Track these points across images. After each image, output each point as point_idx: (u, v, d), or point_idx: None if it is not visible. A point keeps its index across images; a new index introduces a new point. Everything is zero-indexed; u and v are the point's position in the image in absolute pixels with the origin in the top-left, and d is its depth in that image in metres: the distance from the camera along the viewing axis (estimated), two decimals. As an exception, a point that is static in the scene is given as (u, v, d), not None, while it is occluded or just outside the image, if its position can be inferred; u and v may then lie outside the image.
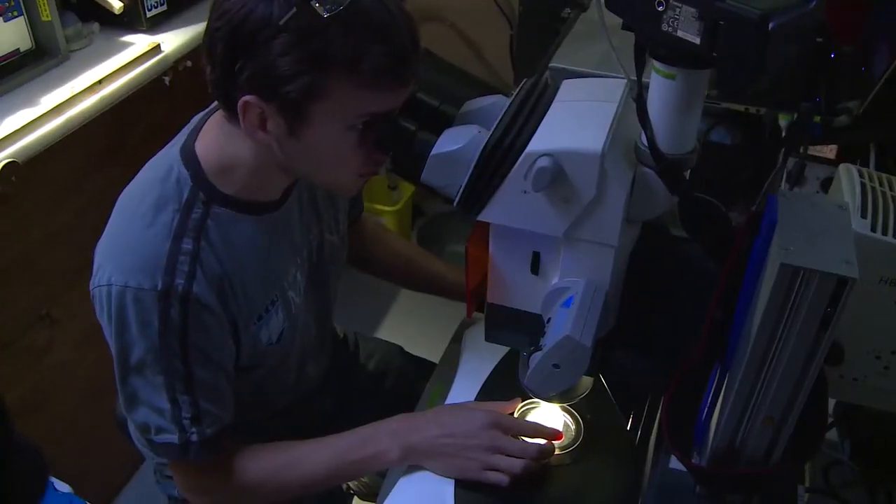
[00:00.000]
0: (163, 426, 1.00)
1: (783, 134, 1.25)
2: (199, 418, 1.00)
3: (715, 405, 0.83)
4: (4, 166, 1.45)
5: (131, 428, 1.33)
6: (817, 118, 1.16)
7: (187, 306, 0.95)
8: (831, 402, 0.98)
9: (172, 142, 1.03)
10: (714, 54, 0.64)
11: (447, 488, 0.99)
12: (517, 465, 0.98)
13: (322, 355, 1.34)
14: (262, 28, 0.82)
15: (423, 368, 1.45)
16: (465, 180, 0.73)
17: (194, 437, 1.01)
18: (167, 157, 1.01)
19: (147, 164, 1.03)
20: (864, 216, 0.84)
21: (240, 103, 0.87)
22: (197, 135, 1.01)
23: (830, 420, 0.97)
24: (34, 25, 1.70)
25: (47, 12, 1.68)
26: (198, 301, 0.95)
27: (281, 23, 0.80)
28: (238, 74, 0.86)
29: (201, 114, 1.05)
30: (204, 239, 0.97)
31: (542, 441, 1.01)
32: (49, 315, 1.70)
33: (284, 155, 0.93)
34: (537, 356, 0.77)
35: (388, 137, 0.81)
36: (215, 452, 1.03)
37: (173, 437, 1.00)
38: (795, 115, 1.20)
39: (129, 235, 0.96)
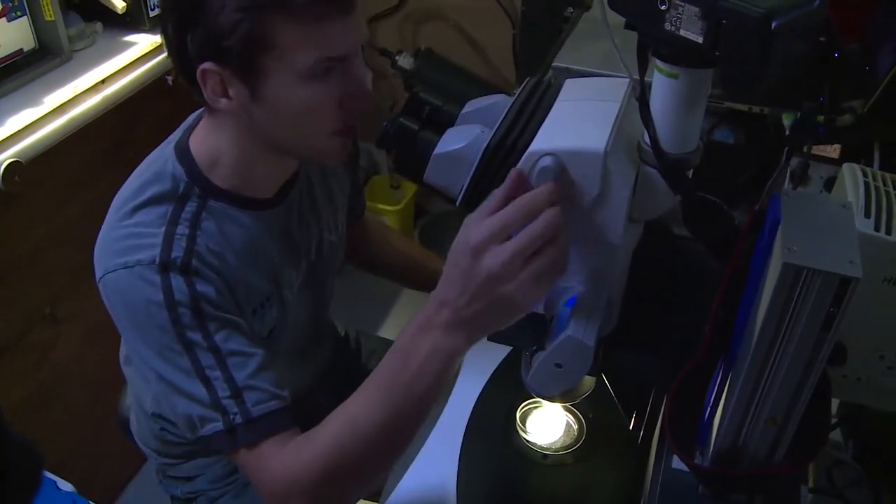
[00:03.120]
0: (205, 415, 0.93)
1: (786, 133, 1.24)
2: (239, 396, 0.92)
3: (718, 405, 0.83)
4: (8, 166, 1.46)
5: (134, 428, 1.34)
6: (821, 117, 1.15)
7: (189, 277, 0.93)
8: (835, 402, 0.98)
9: (168, 139, 1.04)
10: (717, 53, 0.64)
11: (449, 485, 0.99)
12: (554, 249, 0.73)
13: (319, 354, 1.34)
14: None
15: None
16: (468, 180, 0.73)
17: (238, 419, 0.92)
18: (162, 154, 1.01)
19: (142, 163, 1.03)
20: (867, 215, 0.84)
21: (198, 73, 0.89)
22: (191, 132, 1.02)
23: (834, 420, 0.97)
24: (37, 25, 1.70)
25: (50, 12, 1.68)
26: (197, 272, 0.94)
27: None
28: (190, 45, 0.87)
29: (198, 111, 1.05)
30: (199, 228, 0.97)
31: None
32: (53, 314, 1.71)
33: (255, 125, 0.94)
34: (540, 356, 0.77)
35: (390, 137, 0.82)
36: (270, 433, 0.92)
37: (218, 425, 0.92)
38: (799, 115, 1.19)
39: (124, 228, 0.96)
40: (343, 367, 1.45)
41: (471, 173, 0.73)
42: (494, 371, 1.13)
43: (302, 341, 1.23)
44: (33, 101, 1.61)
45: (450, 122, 0.80)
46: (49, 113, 1.58)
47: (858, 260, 0.67)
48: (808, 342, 0.69)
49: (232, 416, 0.92)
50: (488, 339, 0.90)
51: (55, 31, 1.71)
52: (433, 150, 0.76)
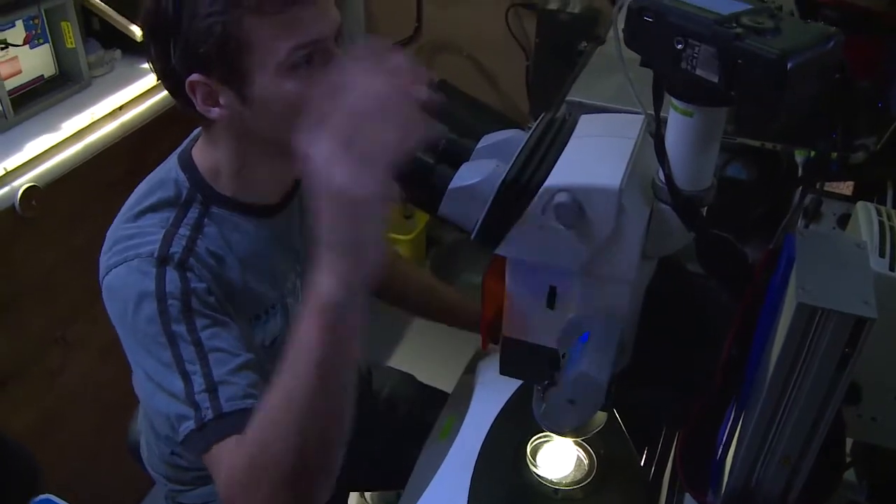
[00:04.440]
0: (181, 412, 0.90)
1: (799, 170, 1.25)
2: (213, 390, 0.90)
3: (731, 443, 0.82)
4: (25, 191, 1.48)
5: (144, 453, 1.33)
6: (834, 154, 1.16)
7: (184, 272, 0.93)
8: (849, 442, 0.97)
9: (173, 153, 1.06)
10: (732, 93, 0.64)
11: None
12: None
13: None
14: (171, 6, 0.88)
15: (435, 398, 1.45)
16: (483, 214, 0.73)
17: (209, 415, 0.89)
18: (166, 165, 1.04)
19: (148, 175, 1.05)
20: (882, 255, 0.84)
21: (187, 86, 0.91)
22: (195, 143, 1.05)
23: (848, 460, 0.96)
24: (59, 52, 1.74)
25: (72, 40, 1.72)
26: (193, 269, 0.94)
27: None
28: (174, 60, 0.90)
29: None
30: (200, 232, 0.98)
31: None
32: (64, 338, 1.72)
33: (250, 130, 0.95)
34: (553, 391, 0.76)
35: (406, 171, 0.82)
36: (237, 431, 0.88)
37: (191, 423, 0.89)
38: (812, 152, 1.20)
39: (128, 230, 0.98)
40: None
41: (486, 208, 0.73)
42: (505, 404, 1.13)
43: None
44: (52, 126, 1.63)
45: (465, 156, 0.80)
46: (67, 139, 1.60)
47: (874, 300, 0.67)
48: (823, 382, 0.69)
49: (203, 413, 0.89)
50: (500, 373, 0.90)
51: (75, 58, 1.74)
52: (448, 184, 0.76)
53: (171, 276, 0.93)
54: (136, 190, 1.03)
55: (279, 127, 0.92)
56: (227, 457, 0.87)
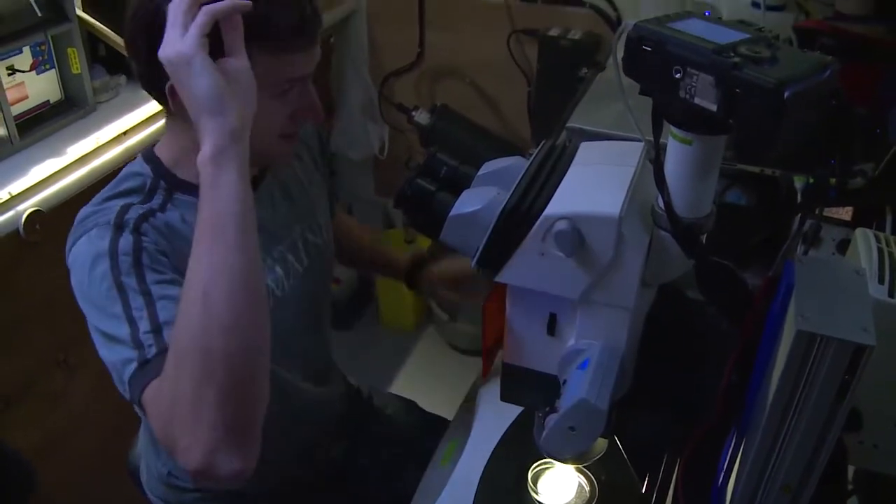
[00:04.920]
0: (126, 356, 0.88)
1: (798, 195, 1.25)
2: (159, 331, 0.88)
3: (731, 470, 0.82)
4: (29, 215, 1.48)
5: (143, 476, 1.33)
6: (832, 180, 1.16)
7: (138, 234, 0.96)
8: (851, 470, 0.97)
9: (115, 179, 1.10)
10: (731, 121, 0.65)
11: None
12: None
13: (327, 394, 1.34)
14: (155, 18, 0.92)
15: (436, 425, 1.45)
16: (484, 242, 0.74)
17: (152, 351, 0.87)
18: (132, 163, 1.09)
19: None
20: (881, 281, 0.84)
21: (167, 87, 0.93)
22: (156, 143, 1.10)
23: (850, 488, 0.96)
24: (64, 78, 1.75)
25: (77, 66, 1.73)
26: (147, 233, 0.97)
27: None
28: (156, 67, 0.91)
29: None
30: (163, 211, 1.02)
31: None
32: (66, 361, 1.72)
33: None
34: (553, 418, 0.77)
35: (407, 197, 0.83)
36: None
37: (134, 363, 0.87)
38: (810, 178, 1.20)
39: (90, 210, 1.02)
40: (353, 419, 1.45)
41: (486, 235, 0.74)
42: (506, 431, 1.13)
43: (296, 346, 1.23)
44: (57, 151, 1.64)
45: (466, 183, 0.81)
46: (71, 164, 1.60)
47: (872, 327, 0.67)
48: (823, 409, 0.69)
49: (147, 349, 0.87)
50: (501, 399, 0.90)
51: (81, 84, 1.75)
52: (449, 210, 0.77)
53: (125, 237, 0.95)
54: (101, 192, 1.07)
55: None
56: (158, 386, 0.85)
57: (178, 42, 0.85)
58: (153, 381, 0.86)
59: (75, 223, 1.02)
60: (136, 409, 0.94)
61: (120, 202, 1.01)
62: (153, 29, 0.91)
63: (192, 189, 1.01)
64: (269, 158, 1.12)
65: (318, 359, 1.34)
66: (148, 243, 0.96)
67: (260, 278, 0.87)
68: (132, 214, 0.98)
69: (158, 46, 0.89)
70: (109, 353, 0.92)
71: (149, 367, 0.87)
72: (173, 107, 0.97)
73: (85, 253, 0.96)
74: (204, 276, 0.83)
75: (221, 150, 0.85)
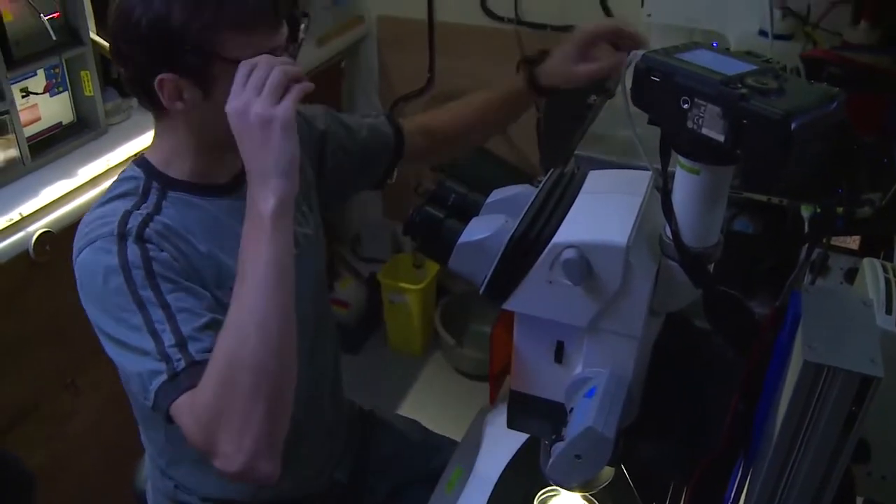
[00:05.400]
0: (153, 368, 0.94)
1: (805, 224, 1.25)
2: (184, 345, 0.95)
3: (738, 500, 0.81)
4: (39, 236, 1.49)
5: (149, 497, 1.33)
6: (840, 209, 1.16)
7: (143, 244, 1.00)
8: (859, 501, 0.96)
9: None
10: (738, 152, 0.65)
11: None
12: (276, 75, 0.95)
13: (329, 404, 1.34)
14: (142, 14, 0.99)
15: (442, 445, 1.45)
16: (492, 269, 0.74)
17: (180, 365, 0.94)
18: (123, 171, 1.13)
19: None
20: (889, 312, 0.84)
21: (156, 82, 1.00)
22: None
23: (858, 518, 0.95)
24: (77, 100, 1.77)
25: (90, 88, 1.75)
26: (151, 240, 1.01)
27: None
28: (148, 60, 1.00)
29: None
30: (158, 212, 1.06)
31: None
32: (74, 383, 1.72)
33: (203, 124, 1.06)
34: (559, 446, 0.77)
35: (416, 225, 0.83)
36: None
37: (163, 376, 0.94)
38: (817, 207, 1.20)
39: (92, 218, 1.05)
40: (359, 440, 1.45)
41: (494, 263, 0.74)
42: (513, 458, 1.12)
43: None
44: (68, 172, 1.65)
45: (475, 210, 0.82)
46: (82, 185, 1.62)
47: (880, 358, 0.67)
48: (830, 440, 0.69)
49: (175, 363, 0.94)
50: (508, 427, 0.90)
51: (93, 106, 1.78)
52: (458, 238, 0.78)
53: (132, 248, 0.99)
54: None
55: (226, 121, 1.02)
56: (195, 398, 0.92)
57: (271, 107, 0.93)
58: (185, 393, 0.93)
59: (79, 231, 1.06)
60: (146, 413, 1.03)
61: (118, 205, 1.05)
62: (154, 41, 0.98)
63: (185, 186, 1.10)
64: None
65: (325, 369, 1.34)
66: (154, 251, 1.00)
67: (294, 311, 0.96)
68: (133, 223, 1.02)
69: (158, 55, 0.99)
70: (129, 362, 0.97)
71: (179, 380, 0.93)
72: (166, 102, 1.02)
73: (93, 263, 1.00)
74: (265, 309, 0.92)
75: (286, 208, 0.95)
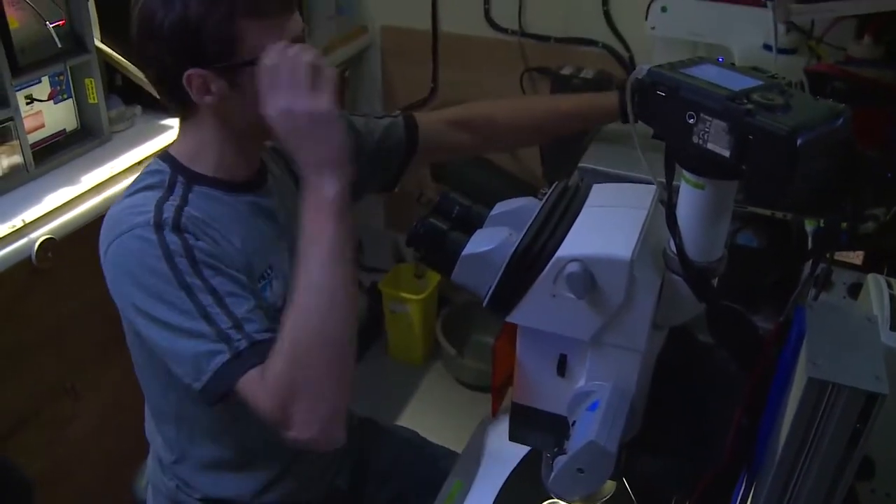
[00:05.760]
0: (211, 349, 0.98)
1: (809, 238, 1.25)
2: (240, 326, 1.00)
3: (741, 516, 0.81)
4: (42, 243, 1.49)
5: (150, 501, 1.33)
6: (843, 224, 1.16)
7: (181, 233, 1.03)
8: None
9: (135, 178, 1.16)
10: (743, 167, 0.65)
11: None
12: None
13: None
14: (165, 13, 1.03)
15: (441, 456, 1.44)
16: (495, 282, 0.74)
17: (242, 344, 0.99)
18: (148, 164, 1.15)
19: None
20: (893, 328, 0.84)
21: (184, 78, 1.04)
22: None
23: (861, 536, 0.95)
24: (81, 107, 1.77)
25: (94, 95, 1.75)
26: (188, 230, 1.04)
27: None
28: (174, 59, 1.04)
29: None
30: (187, 203, 1.08)
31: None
32: (74, 388, 1.72)
33: (231, 113, 1.09)
34: (561, 459, 0.76)
35: (420, 236, 0.83)
36: (264, 359, 0.98)
37: (224, 355, 0.98)
38: (821, 222, 1.20)
39: (121, 209, 1.06)
40: (358, 450, 1.45)
41: (498, 276, 0.74)
42: (514, 471, 1.12)
43: None
44: (71, 179, 1.65)
45: (479, 223, 0.82)
46: (86, 192, 1.62)
47: (885, 375, 0.67)
48: (834, 457, 0.69)
49: (237, 343, 0.98)
50: (510, 439, 0.90)
51: (97, 114, 1.78)
52: (461, 250, 0.78)
53: (171, 237, 1.02)
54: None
55: (254, 107, 1.05)
56: (267, 373, 0.96)
57: (313, 101, 0.98)
58: (253, 370, 0.97)
59: (107, 222, 1.07)
60: (161, 406, 1.08)
61: (147, 195, 1.07)
62: (177, 40, 1.02)
63: (209, 182, 1.12)
64: None
65: None
66: (192, 240, 1.03)
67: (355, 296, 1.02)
68: (168, 212, 1.04)
69: (183, 52, 1.03)
70: (180, 345, 1.00)
71: (243, 359, 0.98)
72: (196, 97, 1.05)
73: (134, 251, 1.02)
74: (333, 283, 0.97)
75: (344, 193, 0.99)
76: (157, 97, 1.14)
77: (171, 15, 1.02)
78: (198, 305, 0.99)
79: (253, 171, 1.18)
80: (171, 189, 1.09)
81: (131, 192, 1.10)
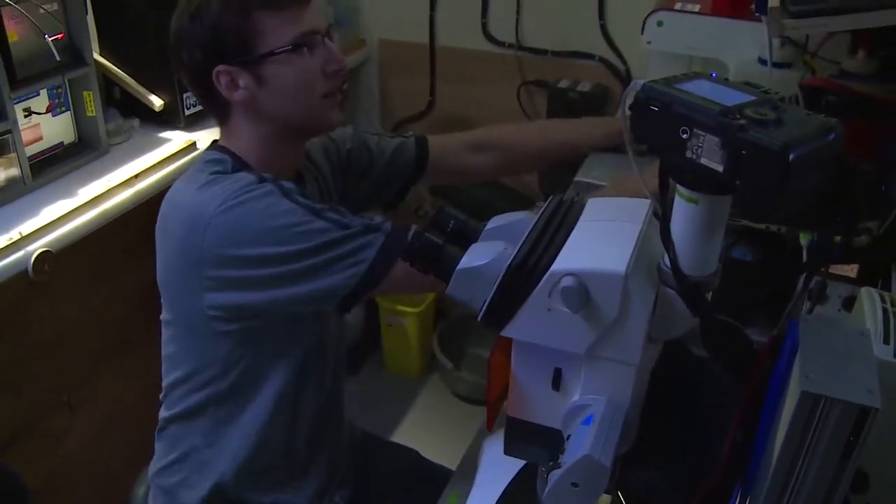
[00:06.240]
0: (364, 242, 1.05)
1: (804, 252, 1.25)
2: (376, 223, 1.07)
3: (736, 530, 0.81)
4: (38, 255, 1.50)
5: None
6: (837, 238, 1.17)
7: (281, 186, 1.09)
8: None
9: (193, 166, 1.19)
10: (736, 182, 0.65)
11: None
12: None
13: (337, 420, 1.35)
14: (189, 19, 1.11)
15: (439, 475, 1.44)
16: (490, 296, 0.74)
17: (388, 227, 1.07)
18: (206, 153, 1.19)
19: (179, 184, 1.18)
20: (886, 342, 0.84)
21: (213, 76, 1.11)
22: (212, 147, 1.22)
23: (855, 549, 0.95)
24: (79, 120, 1.78)
25: (92, 108, 1.76)
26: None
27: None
28: (202, 58, 1.11)
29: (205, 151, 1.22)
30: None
31: None
32: (69, 401, 1.71)
33: (264, 109, 1.14)
34: (556, 474, 0.76)
35: (415, 250, 0.84)
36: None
37: (379, 237, 1.05)
38: (815, 235, 1.21)
39: (208, 190, 1.09)
40: (359, 464, 1.45)
41: (493, 290, 0.74)
42: (509, 485, 1.12)
43: (332, 359, 1.30)
44: (69, 192, 1.66)
45: (474, 237, 0.82)
46: (82, 205, 1.62)
47: (877, 389, 0.67)
48: (828, 470, 0.69)
49: (383, 226, 1.07)
50: (505, 453, 0.90)
51: (95, 126, 1.79)
52: (456, 264, 0.78)
53: (279, 182, 1.09)
54: (180, 181, 1.17)
55: (287, 104, 1.14)
56: None
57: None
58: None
59: (192, 207, 1.09)
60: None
61: (224, 174, 1.11)
62: (201, 38, 1.10)
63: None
64: (318, 123, 1.21)
65: (340, 384, 1.36)
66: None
67: None
68: (256, 176, 1.10)
69: (208, 50, 1.10)
70: (331, 255, 1.05)
71: (398, 236, 1.06)
72: (225, 92, 1.12)
73: (251, 202, 1.06)
74: None
75: None
76: (200, 107, 1.25)
77: (196, 14, 1.09)
78: (331, 221, 1.06)
79: (295, 170, 1.23)
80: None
81: (201, 170, 1.13)
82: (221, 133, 1.21)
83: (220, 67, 1.11)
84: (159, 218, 1.17)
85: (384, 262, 1.05)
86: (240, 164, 1.15)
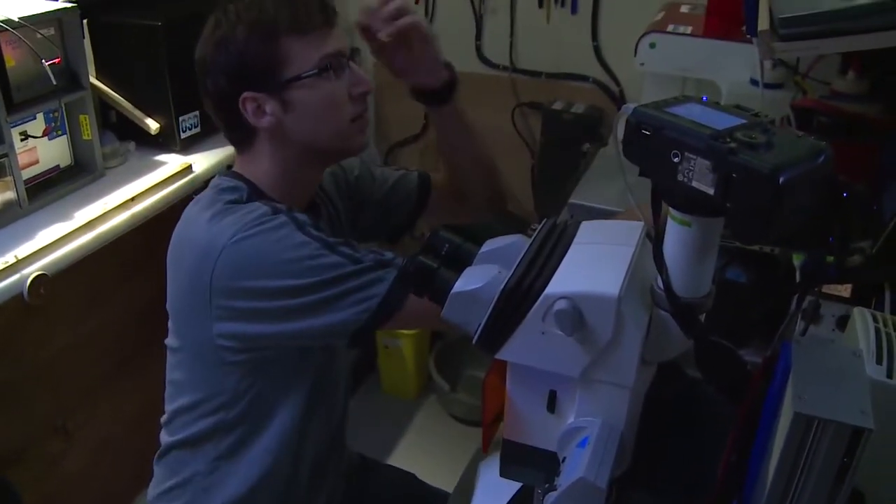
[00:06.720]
0: (375, 277, 1.05)
1: (797, 273, 1.26)
2: (388, 258, 1.06)
3: (732, 551, 0.81)
4: (34, 279, 1.49)
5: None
6: (830, 258, 1.17)
7: (294, 218, 1.08)
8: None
9: (206, 193, 1.18)
10: (728, 205, 0.66)
11: None
12: None
13: (339, 443, 1.35)
14: (213, 48, 1.11)
15: (436, 498, 1.44)
16: (484, 319, 0.75)
17: (400, 262, 1.05)
18: (220, 179, 1.18)
19: (190, 211, 1.17)
20: (879, 362, 0.85)
21: (240, 103, 1.11)
22: (227, 170, 1.21)
23: (852, 570, 0.94)
24: (75, 144, 1.79)
25: (88, 132, 1.77)
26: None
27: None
28: (228, 85, 1.11)
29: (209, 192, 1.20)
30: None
31: None
32: (65, 426, 1.71)
33: (290, 134, 1.14)
34: (552, 496, 0.76)
35: (409, 274, 0.84)
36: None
37: (391, 272, 1.05)
38: (807, 257, 1.21)
39: (222, 219, 1.09)
40: (356, 488, 1.44)
41: (487, 314, 0.75)
42: (505, 506, 1.12)
43: (336, 384, 1.30)
44: (65, 215, 1.66)
45: (468, 260, 0.82)
46: (78, 228, 1.63)
47: (870, 410, 0.67)
48: (823, 491, 0.69)
49: (396, 261, 1.06)
50: (501, 475, 0.89)
51: (91, 150, 1.79)
52: (450, 287, 0.78)
53: (293, 214, 1.08)
54: (193, 208, 1.16)
55: (315, 128, 1.13)
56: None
57: None
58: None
59: (204, 236, 1.09)
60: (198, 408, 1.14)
61: (238, 205, 1.10)
62: (227, 65, 1.10)
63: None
64: (345, 146, 1.21)
65: (340, 421, 1.35)
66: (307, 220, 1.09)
67: None
68: (270, 207, 1.09)
69: (235, 78, 1.10)
70: (345, 290, 1.05)
71: (407, 275, 1.03)
72: (252, 119, 1.11)
73: (264, 234, 1.06)
74: None
75: None
76: (222, 131, 1.19)
77: (219, 45, 1.09)
78: (344, 256, 1.05)
79: (309, 199, 1.23)
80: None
81: (214, 198, 1.13)
82: (239, 159, 1.20)
83: (247, 94, 1.11)
84: (171, 246, 1.17)
85: (396, 297, 1.04)
86: (255, 192, 1.15)
